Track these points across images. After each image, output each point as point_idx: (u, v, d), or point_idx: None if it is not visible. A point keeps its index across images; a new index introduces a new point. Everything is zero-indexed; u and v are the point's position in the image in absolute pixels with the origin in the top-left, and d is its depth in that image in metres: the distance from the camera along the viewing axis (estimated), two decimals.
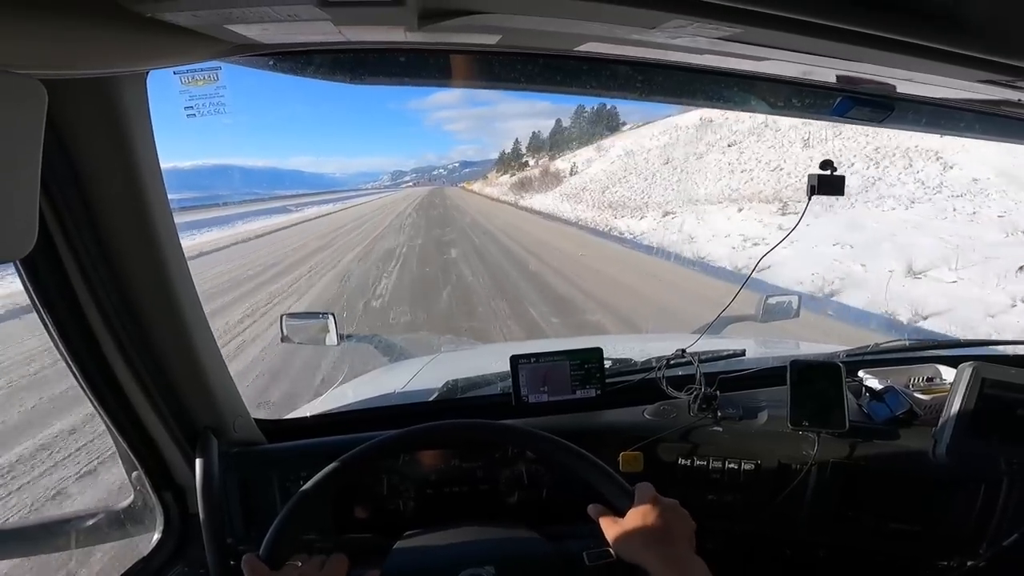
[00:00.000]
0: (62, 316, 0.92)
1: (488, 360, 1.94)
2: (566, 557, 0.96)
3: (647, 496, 0.93)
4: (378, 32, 0.83)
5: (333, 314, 2.10)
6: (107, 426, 1.08)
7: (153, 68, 0.79)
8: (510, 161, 74.63)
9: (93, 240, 0.89)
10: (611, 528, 0.93)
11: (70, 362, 0.96)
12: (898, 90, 1.04)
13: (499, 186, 57.12)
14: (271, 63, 0.90)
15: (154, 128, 0.89)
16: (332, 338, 2.11)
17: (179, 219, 0.97)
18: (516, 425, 1.10)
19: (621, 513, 0.94)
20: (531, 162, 64.28)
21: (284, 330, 2.17)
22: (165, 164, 0.92)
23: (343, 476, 0.99)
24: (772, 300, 2.20)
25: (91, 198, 0.86)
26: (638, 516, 0.91)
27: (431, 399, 1.65)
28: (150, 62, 0.74)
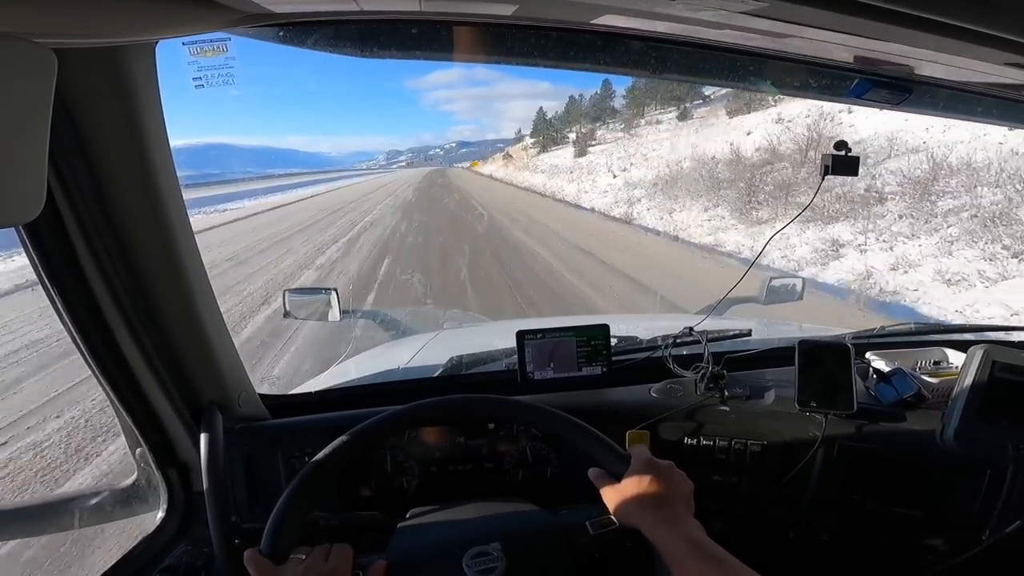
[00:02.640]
0: (67, 287, 0.91)
1: (494, 336, 1.94)
2: (570, 528, 0.96)
3: (642, 460, 0.95)
4: (392, 1, 0.81)
5: (336, 289, 2.10)
6: (111, 400, 1.07)
7: (162, 38, 0.77)
8: (546, 132, 60.11)
9: (99, 211, 0.87)
10: (609, 493, 0.95)
11: (74, 334, 0.95)
12: (917, 72, 1.02)
13: (554, 174, 33.77)
14: (280, 34, 0.88)
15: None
16: (335, 313, 2.11)
17: None
18: (510, 399, 1.10)
19: (619, 478, 0.95)
20: (596, 133, 47.94)
21: (287, 305, 2.16)
22: None
23: (339, 457, 0.98)
24: (776, 282, 2.19)
25: (98, 169, 0.84)
26: (634, 480, 0.92)
27: (436, 375, 1.64)
28: (159, 31, 0.72)
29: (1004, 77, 0.93)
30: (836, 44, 0.88)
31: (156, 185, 0.90)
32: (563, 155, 43.73)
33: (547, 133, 60.55)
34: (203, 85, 0.93)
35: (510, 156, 62.47)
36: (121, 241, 0.91)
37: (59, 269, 0.89)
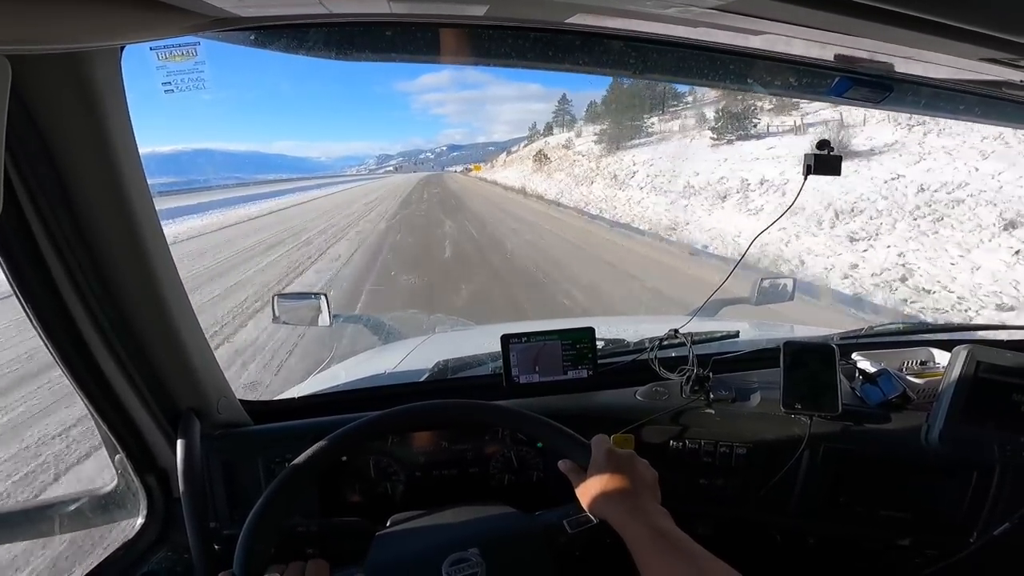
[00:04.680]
0: (36, 295, 0.90)
1: (482, 340, 1.92)
2: (548, 528, 0.95)
3: (603, 451, 0.95)
4: (360, 3, 0.80)
5: (326, 294, 2.08)
6: (87, 407, 1.06)
7: (126, 43, 0.76)
8: (616, 121, 38.65)
9: (68, 218, 0.86)
10: (577, 484, 0.96)
11: (47, 341, 0.94)
12: (897, 69, 1.01)
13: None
14: (252, 38, 0.87)
15: (135, 108, 0.87)
16: (324, 319, 2.09)
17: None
18: (474, 402, 1.09)
19: (584, 469, 0.96)
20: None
21: (276, 310, 2.14)
22: (143, 148, 0.90)
23: (313, 467, 0.96)
24: (766, 283, 2.18)
25: (64, 175, 0.83)
26: (595, 470, 0.93)
27: (421, 380, 1.63)
28: (123, 36, 0.71)
29: (982, 73, 0.92)
30: (813, 41, 0.88)
31: (125, 191, 0.89)
32: (688, 151, 25.76)
33: (617, 124, 38.22)
34: (172, 90, 0.92)
35: (545, 157, 42.30)
36: (90, 248, 0.90)
37: (28, 277, 0.88)
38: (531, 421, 1.04)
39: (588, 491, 0.92)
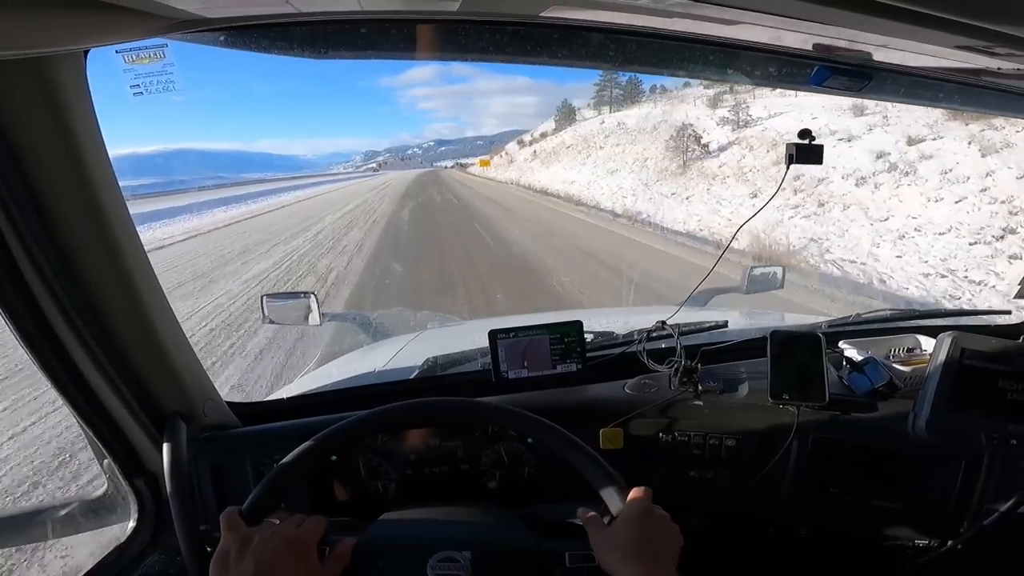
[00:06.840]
0: (12, 303, 0.89)
1: (470, 336, 1.92)
2: (547, 554, 0.92)
3: (638, 504, 0.89)
4: (329, 1, 0.79)
5: (315, 293, 2.08)
6: (72, 413, 1.05)
7: (90, 47, 0.75)
8: None
9: (40, 225, 0.85)
10: (596, 534, 0.89)
11: (26, 348, 0.94)
12: (875, 58, 1.00)
13: None
14: (222, 39, 0.86)
15: (111, 109, 0.86)
16: (315, 318, 2.09)
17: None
18: (517, 408, 1.06)
19: (609, 520, 0.91)
20: None
21: (265, 310, 2.14)
22: (123, 150, 0.89)
23: (322, 454, 0.98)
24: (756, 271, 2.20)
25: (33, 181, 0.82)
26: (624, 525, 0.87)
27: (411, 377, 1.63)
28: (86, 40, 0.70)
29: (958, 62, 0.91)
30: (789, 31, 0.87)
31: (96, 195, 0.88)
32: None
33: None
34: (142, 92, 0.91)
35: (695, 142, 22.88)
36: (64, 254, 0.89)
37: (2, 284, 0.87)
38: (568, 443, 0.99)
39: (609, 544, 0.87)
